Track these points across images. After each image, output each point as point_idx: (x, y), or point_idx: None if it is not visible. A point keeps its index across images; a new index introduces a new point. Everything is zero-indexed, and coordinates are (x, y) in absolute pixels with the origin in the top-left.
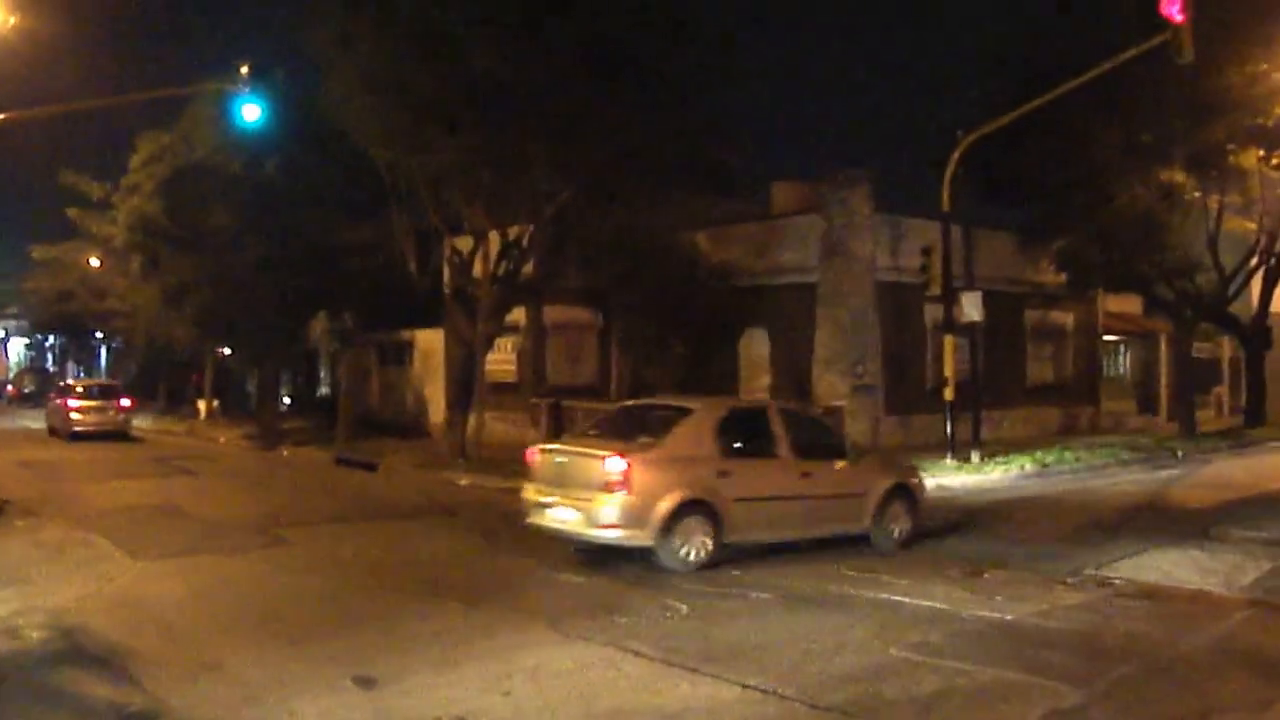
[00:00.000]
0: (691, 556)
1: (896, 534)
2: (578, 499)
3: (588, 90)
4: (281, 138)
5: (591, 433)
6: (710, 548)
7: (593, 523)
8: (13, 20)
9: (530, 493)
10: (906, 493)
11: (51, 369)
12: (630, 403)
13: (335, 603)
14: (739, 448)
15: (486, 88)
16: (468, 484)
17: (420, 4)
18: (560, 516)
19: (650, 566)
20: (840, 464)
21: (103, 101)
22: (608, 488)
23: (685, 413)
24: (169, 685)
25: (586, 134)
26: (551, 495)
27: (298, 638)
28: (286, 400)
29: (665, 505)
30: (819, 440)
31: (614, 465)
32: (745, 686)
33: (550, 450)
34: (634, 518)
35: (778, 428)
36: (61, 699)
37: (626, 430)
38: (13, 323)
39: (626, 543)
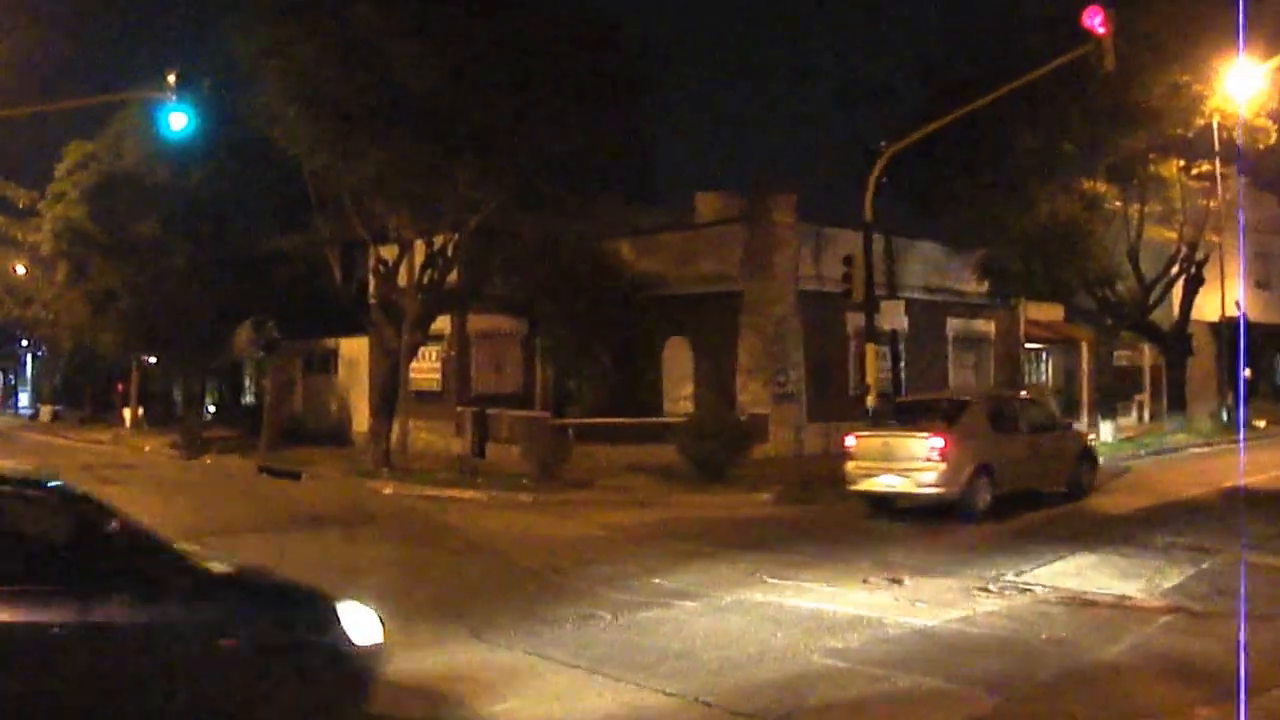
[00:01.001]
0: (980, 505)
1: (1085, 483)
2: (903, 469)
3: (511, 100)
4: (209, 146)
5: (890, 422)
6: (989, 499)
7: (918, 485)
8: None
9: (853, 467)
10: (1090, 453)
11: None
12: (910, 398)
13: None
14: (999, 426)
15: (411, 98)
16: (391, 492)
17: (346, 15)
18: (887, 482)
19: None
20: (1053, 434)
21: (29, 109)
22: (929, 459)
23: (966, 403)
24: None
25: (510, 144)
26: (877, 468)
27: None
28: (211, 409)
29: (968, 469)
30: (1041, 419)
31: (935, 443)
32: (668, 694)
33: (872, 435)
34: (947, 480)
35: (1019, 411)
36: None
37: (918, 419)
38: None
39: (944, 498)
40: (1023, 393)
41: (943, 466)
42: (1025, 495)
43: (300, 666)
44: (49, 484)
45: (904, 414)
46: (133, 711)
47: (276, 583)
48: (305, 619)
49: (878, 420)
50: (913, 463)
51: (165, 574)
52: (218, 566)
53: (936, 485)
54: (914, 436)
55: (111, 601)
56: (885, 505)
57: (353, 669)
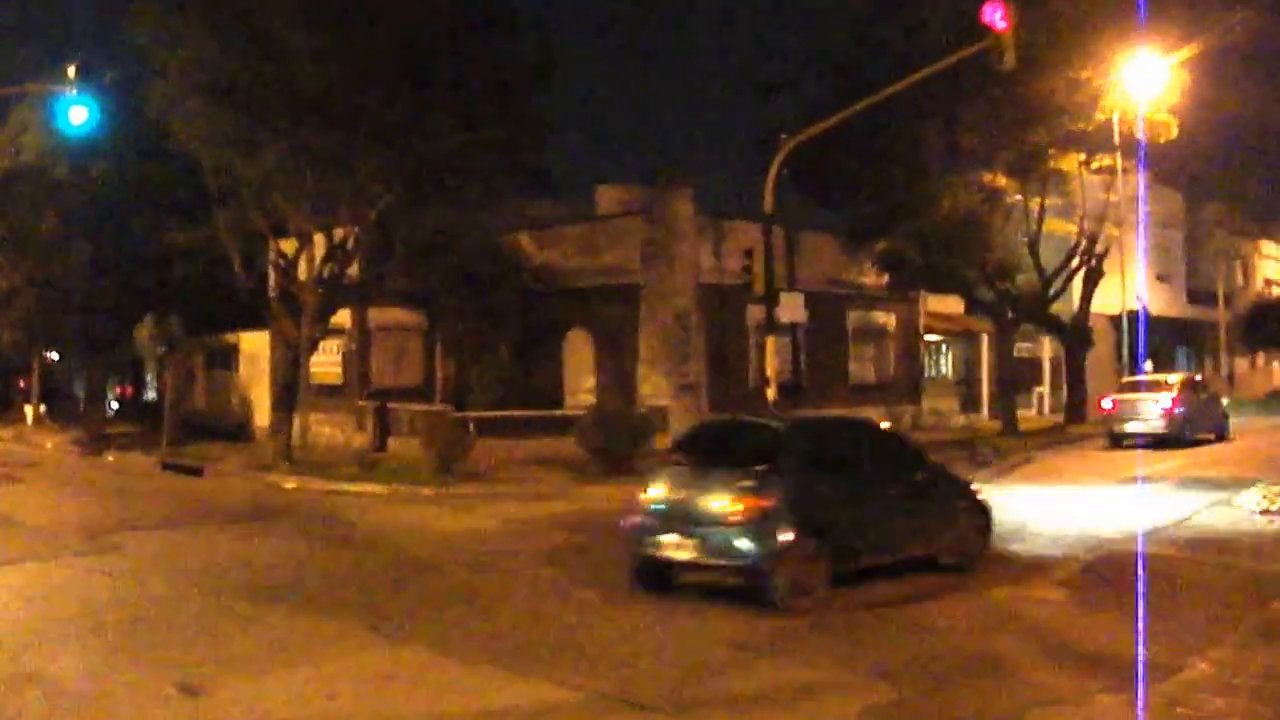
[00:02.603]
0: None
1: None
2: (1145, 419)
3: (410, 92)
4: (110, 140)
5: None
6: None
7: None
8: None
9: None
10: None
11: None
12: (1136, 378)
13: (161, 609)
14: (1192, 391)
15: (310, 91)
16: (293, 487)
17: (245, 7)
18: (1133, 428)
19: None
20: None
21: None
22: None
23: (1173, 380)
24: None
25: (408, 137)
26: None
27: (123, 646)
28: (114, 405)
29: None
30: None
31: (1166, 398)
32: (570, 686)
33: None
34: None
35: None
36: None
37: (1152, 388)
38: None
39: (1186, 436)
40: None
41: (1175, 414)
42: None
43: (976, 511)
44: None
45: (1144, 386)
46: (931, 530)
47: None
48: (971, 490)
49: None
50: (1154, 419)
51: (933, 468)
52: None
53: (1168, 432)
54: (1152, 395)
55: (921, 482)
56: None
57: (987, 517)
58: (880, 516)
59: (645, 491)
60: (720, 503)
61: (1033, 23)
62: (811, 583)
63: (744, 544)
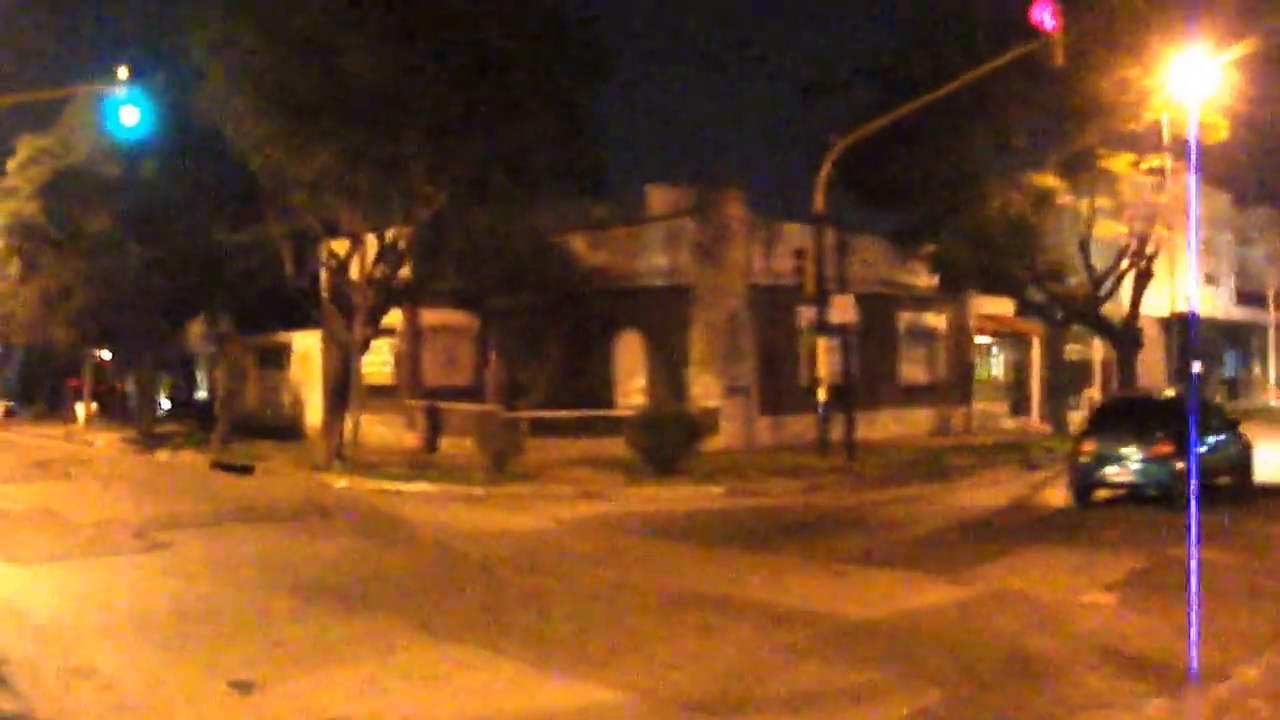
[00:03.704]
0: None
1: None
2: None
3: (461, 94)
4: (160, 141)
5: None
6: None
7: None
8: None
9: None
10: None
11: None
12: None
13: (213, 606)
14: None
15: (362, 91)
16: (344, 486)
17: (297, 8)
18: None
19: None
20: None
21: None
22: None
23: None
24: (43, 691)
25: (461, 137)
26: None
27: (174, 642)
28: (165, 404)
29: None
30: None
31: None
32: (620, 687)
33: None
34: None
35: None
36: None
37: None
38: None
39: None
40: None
41: None
42: None
43: (1248, 450)
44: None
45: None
46: (1231, 462)
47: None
48: (1245, 437)
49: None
50: None
51: (1231, 422)
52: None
53: None
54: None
55: (1224, 431)
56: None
57: (1250, 454)
58: (1213, 452)
59: (1084, 443)
60: (1142, 449)
61: (1081, 22)
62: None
63: (1158, 471)
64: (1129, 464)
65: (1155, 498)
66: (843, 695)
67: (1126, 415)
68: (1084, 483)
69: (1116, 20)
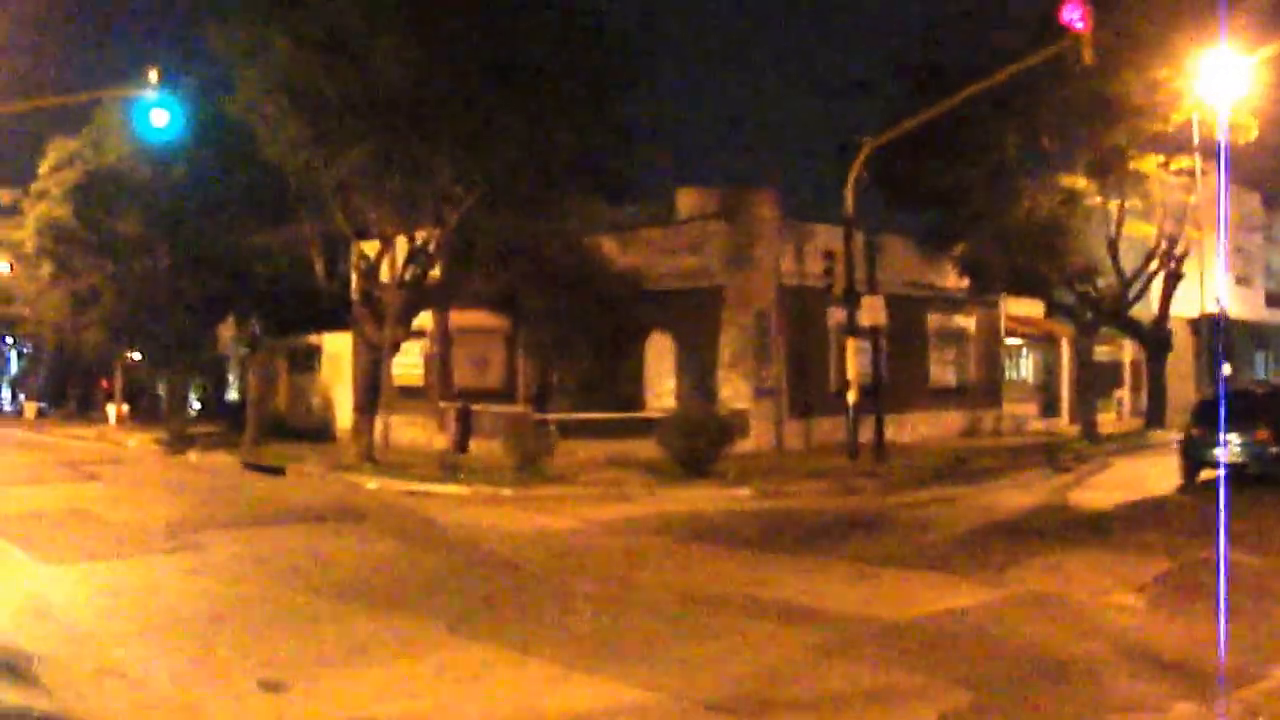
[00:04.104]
0: None
1: None
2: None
3: (492, 97)
4: (191, 144)
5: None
6: None
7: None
8: None
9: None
10: None
11: None
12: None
13: (243, 606)
14: None
15: (392, 94)
16: (375, 487)
17: (327, 12)
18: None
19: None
20: None
21: (11, 107)
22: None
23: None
24: (75, 690)
25: (491, 140)
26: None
27: (205, 641)
28: (196, 405)
29: None
30: None
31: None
32: (648, 687)
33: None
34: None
35: None
36: None
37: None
38: None
39: None
40: None
41: None
42: None
43: None
44: None
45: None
46: None
47: None
48: None
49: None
50: None
51: None
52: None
53: None
54: None
55: None
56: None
57: None
58: None
59: (1193, 429)
60: (1243, 434)
61: (1110, 22)
62: None
63: (1257, 453)
64: (1232, 447)
65: (1256, 476)
66: (871, 697)
67: (1230, 405)
68: (1193, 463)
69: (1146, 20)
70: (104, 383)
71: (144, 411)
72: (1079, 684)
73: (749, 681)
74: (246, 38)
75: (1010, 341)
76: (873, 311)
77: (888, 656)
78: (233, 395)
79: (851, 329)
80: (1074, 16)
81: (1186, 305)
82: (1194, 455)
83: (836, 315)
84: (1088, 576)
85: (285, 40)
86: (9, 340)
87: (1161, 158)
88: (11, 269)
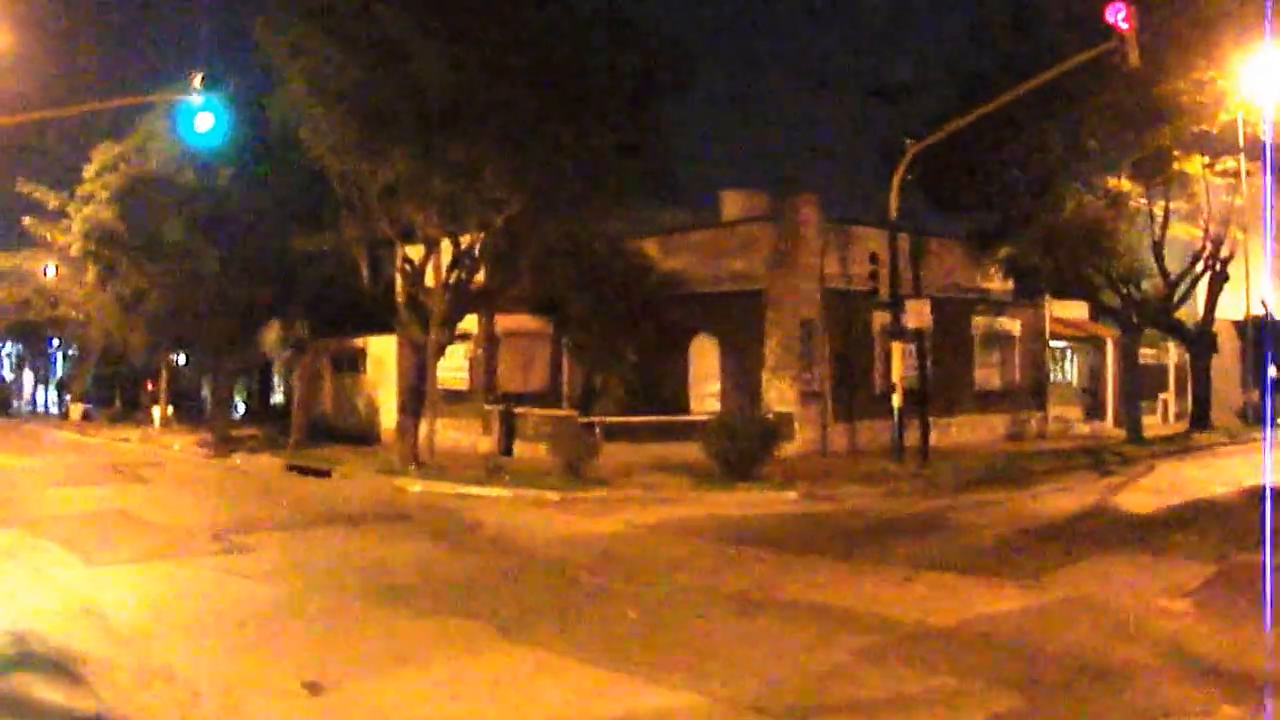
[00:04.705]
0: None
1: None
2: None
3: (537, 101)
4: (235, 147)
5: None
6: None
7: None
8: None
9: None
10: None
11: (8, 377)
12: None
13: (287, 608)
14: None
15: (436, 97)
16: (419, 490)
17: (371, 15)
18: None
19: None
20: None
21: (58, 112)
22: None
23: None
24: (120, 691)
25: (536, 144)
26: None
27: (249, 643)
28: (240, 407)
29: None
30: None
31: None
32: (693, 691)
33: None
34: None
35: None
36: (13, 705)
37: None
38: None
39: None
40: None
41: None
42: None
43: None
44: None
45: None
46: None
47: None
48: None
49: None
50: None
51: None
52: None
53: None
54: None
55: None
56: None
57: None
58: None
59: None
60: None
61: (1155, 22)
62: None
63: None
64: None
65: None
66: (917, 701)
67: None
68: None
69: (1190, 22)
70: (149, 385)
71: (189, 414)
72: (1125, 687)
73: (795, 685)
74: (290, 40)
75: (1055, 344)
76: (918, 314)
77: (934, 660)
78: (277, 398)
79: (896, 332)
80: (1118, 17)
81: (1232, 308)
82: None
83: (881, 318)
84: (1133, 580)
85: (328, 43)
86: (56, 342)
87: (1206, 158)
88: (58, 271)
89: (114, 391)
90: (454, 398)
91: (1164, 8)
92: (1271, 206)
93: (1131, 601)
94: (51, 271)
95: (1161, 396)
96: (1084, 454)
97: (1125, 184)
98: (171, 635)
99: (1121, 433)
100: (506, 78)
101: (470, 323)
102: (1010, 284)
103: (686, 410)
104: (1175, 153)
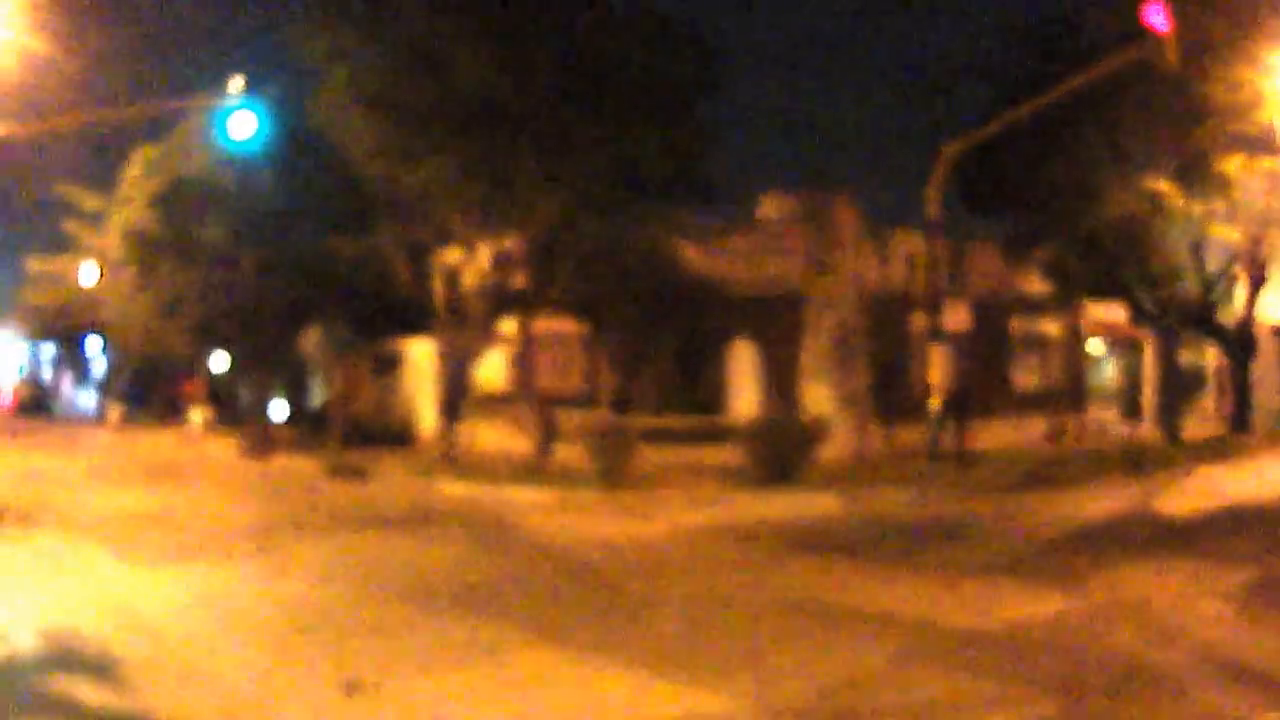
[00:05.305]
0: None
1: None
2: None
3: (575, 104)
4: (274, 151)
5: None
6: None
7: None
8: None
9: None
10: None
11: (48, 379)
12: None
13: (325, 610)
14: None
15: (475, 101)
16: (457, 492)
17: (409, 19)
18: None
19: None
20: None
21: (98, 116)
22: None
23: None
24: (158, 692)
25: (574, 147)
26: None
27: (288, 644)
28: (278, 410)
29: None
30: None
31: None
32: (730, 695)
33: None
34: None
35: None
36: (52, 705)
37: None
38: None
39: None
40: None
41: None
42: None
43: None
44: None
45: None
46: None
47: None
48: None
49: None
50: None
51: None
52: None
53: None
54: None
55: None
56: None
57: None
58: None
59: None
60: None
61: (1193, 21)
62: None
63: None
64: None
65: None
66: (959, 705)
67: None
68: None
69: (1228, 21)
70: (188, 388)
71: (227, 416)
72: (1165, 693)
73: (832, 689)
74: (328, 43)
75: (1093, 346)
76: (956, 317)
77: (971, 664)
78: (315, 401)
79: (934, 334)
80: (1156, 18)
81: (1271, 310)
82: None
83: (919, 320)
84: (1173, 584)
85: (365, 48)
86: (95, 345)
87: (1243, 159)
88: (102, 274)
89: (153, 394)
90: (492, 400)
91: (1203, 6)
92: None
93: (1173, 606)
94: (90, 274)
95: (1200, 400)
96: (1122, 457)
97: (1164, 185)
98: (210, 636)
99: (1160, 436)
100: (544, 80)
101: (508, 325)
102: (1048, 286)
103: (724, 413)
104: (1214, 153)
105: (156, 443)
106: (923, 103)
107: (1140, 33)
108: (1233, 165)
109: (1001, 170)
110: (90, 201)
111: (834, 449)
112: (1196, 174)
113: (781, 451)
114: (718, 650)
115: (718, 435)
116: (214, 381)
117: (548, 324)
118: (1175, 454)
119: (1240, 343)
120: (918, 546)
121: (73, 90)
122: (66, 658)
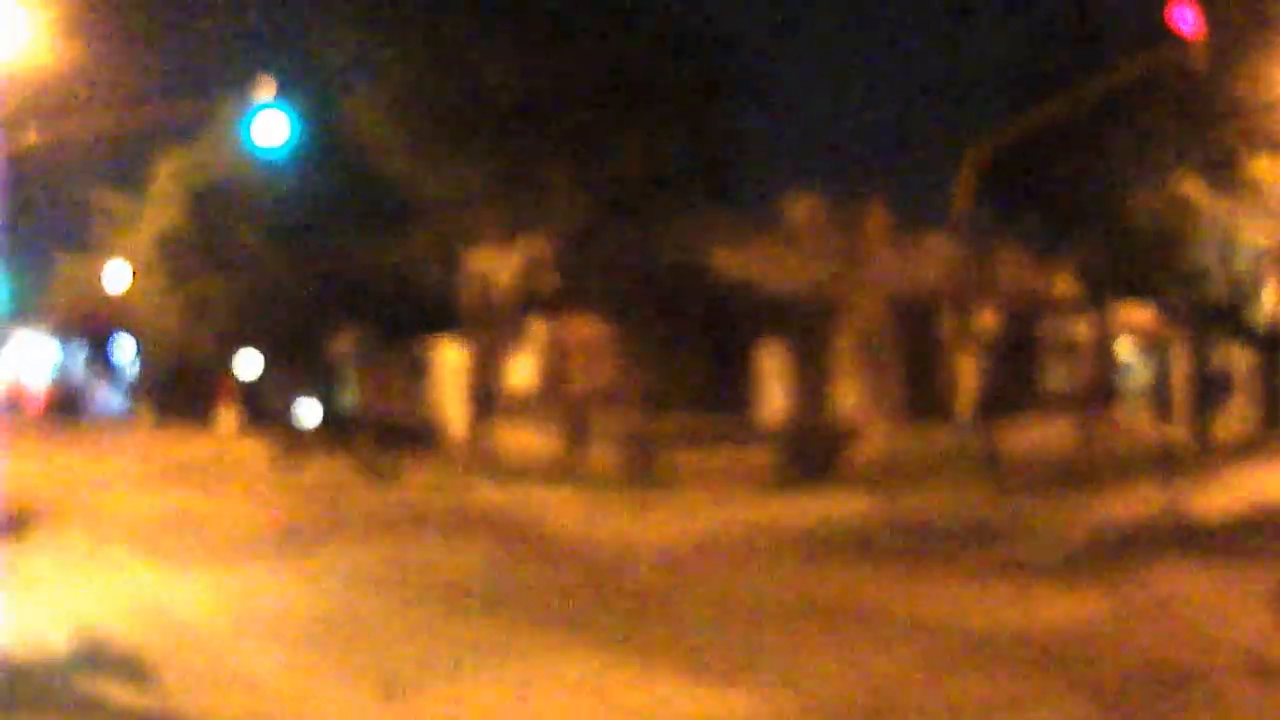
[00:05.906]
0: None
1: None
2: None
3: (604, 107)
4: (303, 154)
5: None
6: None
7: None
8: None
9: None
10: None
11: (79, 380)
12: None
13: (357, 612)
14: None
15: (504, 104)
16: (488, 494)
17: (437, 22)
18: None
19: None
20: None
21: (126, 118)
22: None
23: None
24: (192, 693)
25: (604, 149)
26: None
27: (320, 647)
28: (308, 412)
29: None
30: None
31: None
32: (763, 698)
33: None
34: None
35: None
36: (83, 706)
37: None
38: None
39: None
40: None
41: None
42: None
43: None
44: None
45: None
46: None
47: None
48: None
49: None
50: None
51: None
52: None
53: None
54: None
55: None
56: None
57: None
58: None
59: None
60: None
61: (1217, 20)
62: None
63: None
64: None
65: None
66: (989, 707)
67: None
68: None
69: (1255, 21)
70: (218, 390)
71: (257, 418)
72: (1201, 694)
73: (863, 692)
74: (357, 47)
75: (1122, 347)
76: (983, 318)
77: (1006, 665)
78: (345, 403)
79: (963, 336)
80: (1182, 18)
81: None
82: None
83: (948, 322)
84: (1207, 585)
85: (395, 51)
86: (125, 347)
87: (1272, 158)
88: (134, 276)
89: (183, 396)
90: (522, 401)
91: (1229, 6)
92: None
93: (1206, 606)
94: (121, 276)
95: (1230, 400)
96: (1153, 457)
97: (1193, 184)
98: (242, 638)
99: (1190, 436)
100: (572, 84)
101: (538, 327)
102: (1077, 288)
103: (754, 415)
104: (1242, 152)
105: (186, 444)
106: (951, 104)
107: (1168, 33)
108: (1261, 164)
109: (1029, 172)
110: (120, 204)
111: (865, 450)
112: (1225, 174)
113: (812, 453)
114: (750, 652)
115: (749, 437)
116: (244, 383)
117: (577, 325)
118: (1206, 455)
119: (1270, 342)
120: (948, 548)
121: (101, 91)
122: (97, 659)
